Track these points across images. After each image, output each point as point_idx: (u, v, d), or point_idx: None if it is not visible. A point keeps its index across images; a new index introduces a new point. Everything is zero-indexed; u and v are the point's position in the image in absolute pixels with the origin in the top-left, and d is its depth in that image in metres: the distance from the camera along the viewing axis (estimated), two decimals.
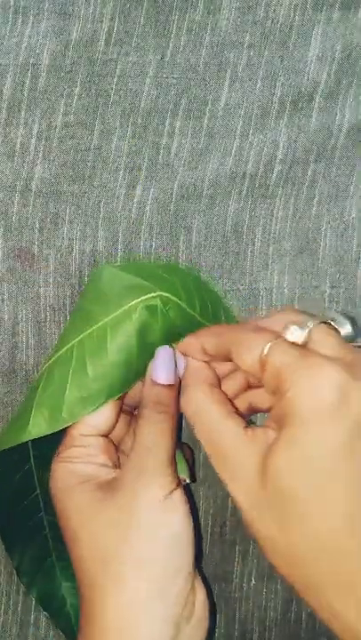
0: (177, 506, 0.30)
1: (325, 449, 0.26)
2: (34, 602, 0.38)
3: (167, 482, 0.30)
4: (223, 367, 0.33)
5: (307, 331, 0.28)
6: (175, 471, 0.31)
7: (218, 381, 0.32)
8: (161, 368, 0.32)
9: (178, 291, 0.33)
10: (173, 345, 0.33)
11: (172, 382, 0.31)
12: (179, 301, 0.33)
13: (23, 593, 0.38)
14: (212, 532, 0.39)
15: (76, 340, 0.33)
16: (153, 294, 0.32)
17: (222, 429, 0.29)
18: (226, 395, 0.31)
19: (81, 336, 0.33)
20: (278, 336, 0.29)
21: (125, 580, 0.29)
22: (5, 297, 0.37)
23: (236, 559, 0.39)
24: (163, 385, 0.31)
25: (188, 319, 0.33)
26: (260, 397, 0.33)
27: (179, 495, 0.30)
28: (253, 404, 0.33)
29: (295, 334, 0.29)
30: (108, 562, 0.30)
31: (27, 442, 0.32)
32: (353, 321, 0.30)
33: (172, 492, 0.30)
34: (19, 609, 0.38)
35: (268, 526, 0.27)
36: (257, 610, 0.39)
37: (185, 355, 0.32)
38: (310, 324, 0.29)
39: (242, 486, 0.28)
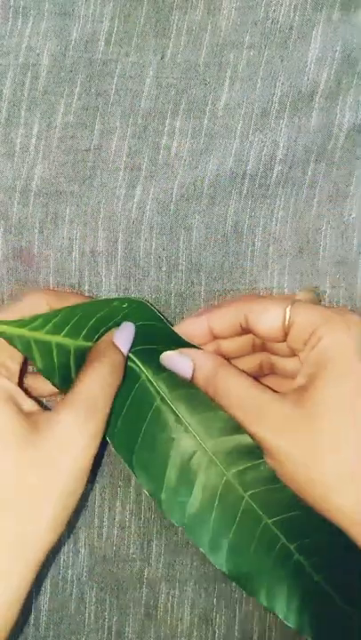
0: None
1: None
2: (34, 602, 0.38)
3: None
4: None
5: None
6: None
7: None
8: (124, 336, 0.33)
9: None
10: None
11: (125, 352, 0.33)
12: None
13: None
14: None
15: None
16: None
17: (254, 394, 0.31)
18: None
19: None
20: (293, 300, 0.32)
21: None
22: (5, 297, 0.37)
23: None
24: (120, 350, 0.33)
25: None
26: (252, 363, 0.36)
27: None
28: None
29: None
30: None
31: None
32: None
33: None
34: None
35: (303, 454, 0.29)
36: (257, 610, 0.39)
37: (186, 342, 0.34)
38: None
39: (275, 424, 0.30)
